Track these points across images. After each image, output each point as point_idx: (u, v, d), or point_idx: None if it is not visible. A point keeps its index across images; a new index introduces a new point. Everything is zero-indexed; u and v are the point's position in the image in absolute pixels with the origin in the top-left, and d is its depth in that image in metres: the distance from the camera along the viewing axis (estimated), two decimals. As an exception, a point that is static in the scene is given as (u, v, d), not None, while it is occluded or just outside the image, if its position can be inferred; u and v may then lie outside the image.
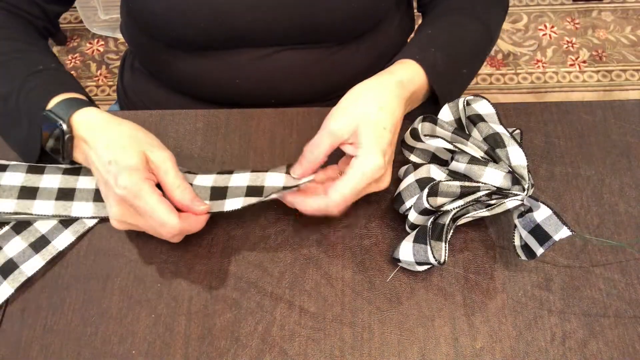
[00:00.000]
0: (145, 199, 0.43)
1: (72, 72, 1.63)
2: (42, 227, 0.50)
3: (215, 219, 0.51)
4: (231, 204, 0.48)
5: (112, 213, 0.45)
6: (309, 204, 0.46)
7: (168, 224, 0.44)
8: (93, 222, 0.51)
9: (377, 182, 0.47)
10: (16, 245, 0.49)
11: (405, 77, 0.51)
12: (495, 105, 0.49)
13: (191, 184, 0.49)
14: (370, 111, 0.47)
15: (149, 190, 0.43)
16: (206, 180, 0.50)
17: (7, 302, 0.47)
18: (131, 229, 0.47)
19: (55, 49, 1.68)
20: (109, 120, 0.47)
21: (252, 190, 0.49)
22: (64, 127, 0.46)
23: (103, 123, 0.47)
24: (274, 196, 0.47)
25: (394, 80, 0.50)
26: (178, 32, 0.58)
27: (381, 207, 0.52)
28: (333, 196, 0.45)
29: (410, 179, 0.48)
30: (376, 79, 0.50)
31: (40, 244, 0.49)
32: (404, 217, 0.49)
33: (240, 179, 0.50)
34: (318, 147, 0.47)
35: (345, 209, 0.47)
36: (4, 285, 0.47)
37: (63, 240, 0.50)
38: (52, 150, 0.49)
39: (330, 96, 0.66)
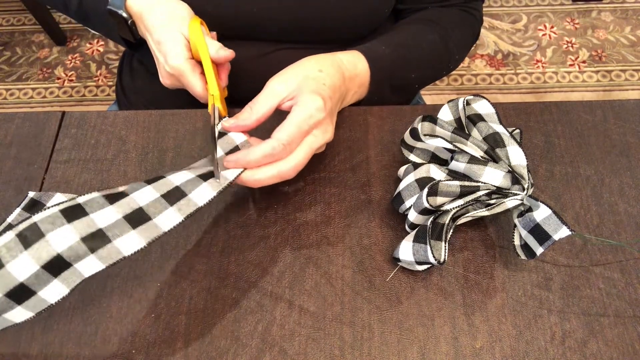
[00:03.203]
0: (187, 77, 0.53)
1: (72, 72, 1.64)
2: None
3: (215, 218, 0.51)
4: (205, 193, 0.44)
5: (163, 81, 0.56)
6: (254, 154, 0.45)
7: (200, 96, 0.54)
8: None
9: (321, 129, 0.48)
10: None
11: (345, 59, 0.55)
12: (495, 105, 0.49)
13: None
14: (310, 71, 0.50)
15: (190, 71, 0.53)
16: (149, 193, 0.43)
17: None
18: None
19: (55, 49, 1.69)
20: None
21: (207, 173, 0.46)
22: (124, 14, 0.55)
23: (149, 3, 0.54)
24: (233, 173, 0.45)
25: (334, 56, 0.54)
26: None
27: (381, 207, 0.52)
28: (278, 135, 0.45)
29: (410, 179, 0.48)
30: (317, 54, 0.54)
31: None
32: (404, 216, 0.49)
33: (183, 175, 0.45)
34: (256, 105, 0.48)
35: (300, 167, 0.46)
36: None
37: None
38: (125, 34, 0.58)
39: None
